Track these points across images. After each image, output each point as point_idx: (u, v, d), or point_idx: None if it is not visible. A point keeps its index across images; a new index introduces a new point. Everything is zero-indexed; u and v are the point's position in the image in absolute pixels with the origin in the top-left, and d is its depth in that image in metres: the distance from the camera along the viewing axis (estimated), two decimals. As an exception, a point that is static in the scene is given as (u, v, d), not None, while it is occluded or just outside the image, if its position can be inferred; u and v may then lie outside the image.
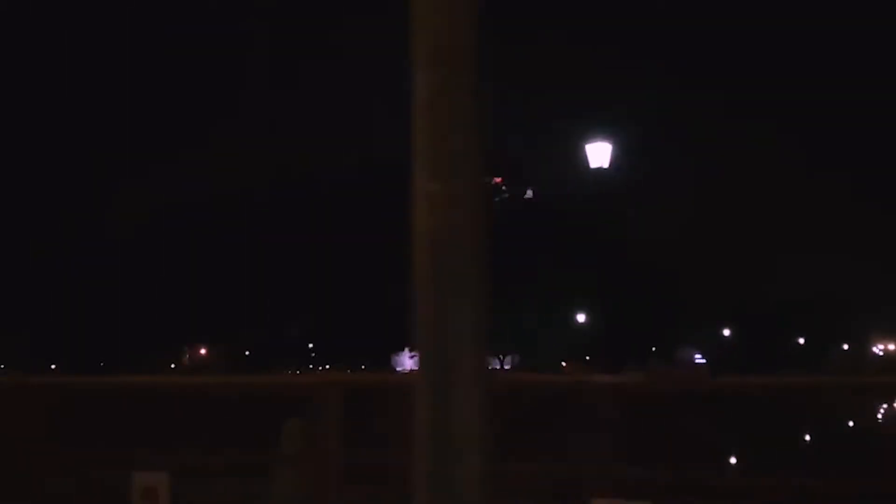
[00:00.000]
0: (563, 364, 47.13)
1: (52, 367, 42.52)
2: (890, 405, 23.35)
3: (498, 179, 54.16)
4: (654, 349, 52.91)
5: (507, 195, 56.70)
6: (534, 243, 49.54)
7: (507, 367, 51.48)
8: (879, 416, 24.13)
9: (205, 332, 54.28)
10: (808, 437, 19.44)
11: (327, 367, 49.29)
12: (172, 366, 54.21)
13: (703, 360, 53.43)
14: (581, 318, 51.17)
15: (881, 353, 64.68)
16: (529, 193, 58.48)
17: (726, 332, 57.81)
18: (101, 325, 49.37)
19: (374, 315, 48.58)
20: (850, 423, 22.49)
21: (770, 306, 55.07)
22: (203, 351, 59.77)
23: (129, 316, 49.57)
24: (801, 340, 59.88)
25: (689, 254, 52.00)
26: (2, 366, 39.59)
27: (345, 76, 53.52)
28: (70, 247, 47.75)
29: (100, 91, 47.55)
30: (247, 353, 52.10)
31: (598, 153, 22.19)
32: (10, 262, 46.65)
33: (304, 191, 53.15)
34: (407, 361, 55.67)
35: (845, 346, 62.66)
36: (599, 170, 22.28)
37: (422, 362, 2.22)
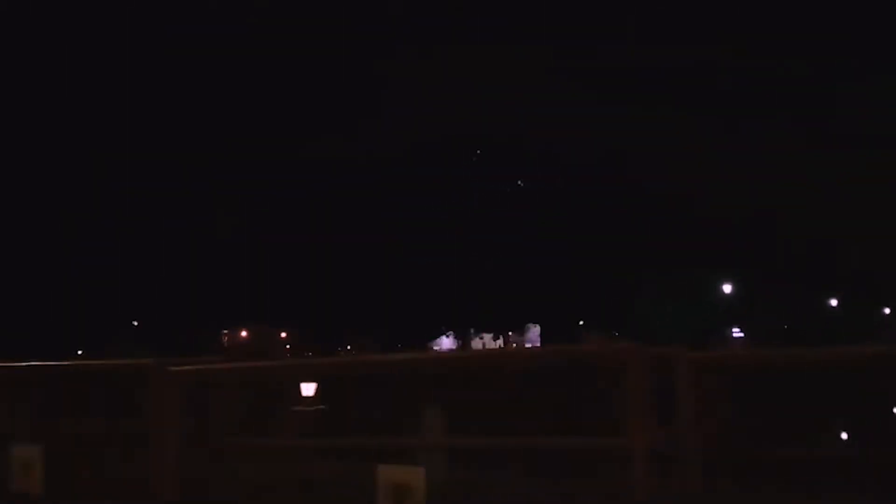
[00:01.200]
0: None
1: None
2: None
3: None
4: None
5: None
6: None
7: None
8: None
9: (242, 315, 53.27)
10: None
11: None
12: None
13: (742, 335, 51.93)
14: (728, 287, 50.82)
15: None
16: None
17: (833, 303, 55.98)
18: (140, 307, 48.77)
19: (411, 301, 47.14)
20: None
21: (861, 274, 51.21)
22: (244, 333, 59.05)
23: (168, 298, 48.78)
24: (887, 310, 57.56)
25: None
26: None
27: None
28: (90, 233, 46.50)
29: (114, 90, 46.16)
30: (282, 335, 50.96)
31: None
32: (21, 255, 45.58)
33: (304, 189, 50.90)
34: (445, 343, 55.56)
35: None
36: None
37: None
